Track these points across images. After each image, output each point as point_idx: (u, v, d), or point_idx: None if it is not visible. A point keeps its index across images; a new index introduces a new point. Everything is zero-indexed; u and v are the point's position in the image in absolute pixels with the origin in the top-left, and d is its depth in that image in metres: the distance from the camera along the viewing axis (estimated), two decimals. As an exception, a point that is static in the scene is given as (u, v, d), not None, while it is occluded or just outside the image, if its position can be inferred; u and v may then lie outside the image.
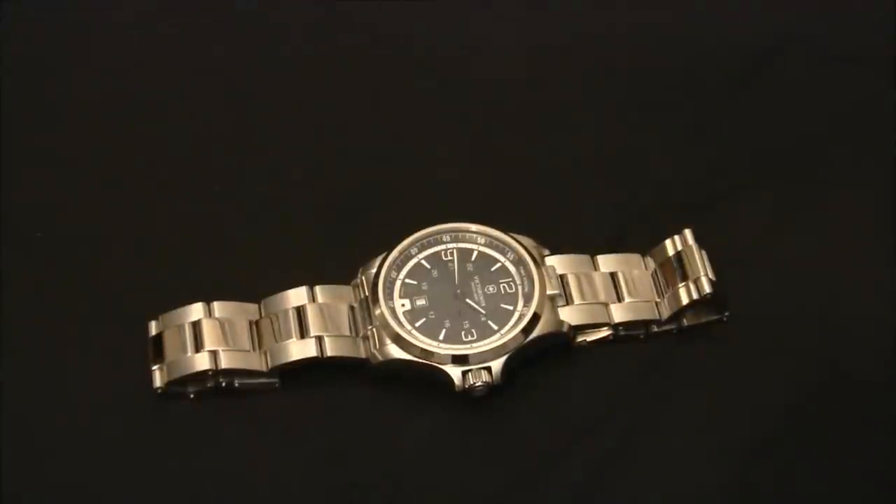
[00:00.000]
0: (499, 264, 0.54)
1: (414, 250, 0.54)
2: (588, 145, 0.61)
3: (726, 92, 0.62)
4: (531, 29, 0.65)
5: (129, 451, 0.52)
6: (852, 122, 0.61)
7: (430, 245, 0.55)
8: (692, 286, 0.53)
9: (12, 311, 0.55)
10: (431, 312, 0.53)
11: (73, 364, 0.54)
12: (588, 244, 0.56)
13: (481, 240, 0.55)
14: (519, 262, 0.54)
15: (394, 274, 0.54)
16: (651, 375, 0.54)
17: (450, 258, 0.55)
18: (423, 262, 0.54)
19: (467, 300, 0.53)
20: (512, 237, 0.55)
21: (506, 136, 0.62)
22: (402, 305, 0.53)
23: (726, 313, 0.55)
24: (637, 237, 0.57)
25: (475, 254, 0.55)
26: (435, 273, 0.54)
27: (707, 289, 0.53)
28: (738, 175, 0.59)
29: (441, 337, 0.52)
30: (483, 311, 0.53)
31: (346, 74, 0.63)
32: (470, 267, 0.54)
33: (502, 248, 0.55)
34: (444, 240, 0.55)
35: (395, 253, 0.54)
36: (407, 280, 0.54)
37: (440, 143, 0.61)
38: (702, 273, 0.54)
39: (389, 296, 0.53)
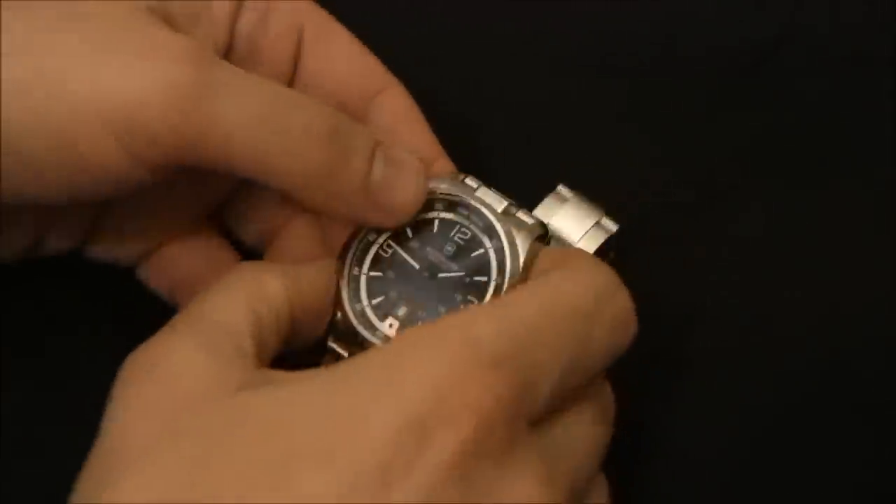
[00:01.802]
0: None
1: None
2: (588, 145, 0.61)
3: (726, 91, 0.62)
4: (531, 28, 0.65)
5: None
6: (852, 122, 0.61)
7: None
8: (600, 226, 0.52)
9: (13, 311, 0.55)
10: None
11: (73, 364, 0.54)
12: (587, 244, 0.56)
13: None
14: None
15: None
16: (651, 375, 0.54)
17: None
18: None
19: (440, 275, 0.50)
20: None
21: (504, 136, 0.62)
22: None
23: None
24: (637, 237, 0.57)
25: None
26: None
27: (613, 227, 0.51)
28: (738, 175, 0.60)
29: None
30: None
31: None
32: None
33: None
34: None
35: None
36: None
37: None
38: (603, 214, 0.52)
39: None
